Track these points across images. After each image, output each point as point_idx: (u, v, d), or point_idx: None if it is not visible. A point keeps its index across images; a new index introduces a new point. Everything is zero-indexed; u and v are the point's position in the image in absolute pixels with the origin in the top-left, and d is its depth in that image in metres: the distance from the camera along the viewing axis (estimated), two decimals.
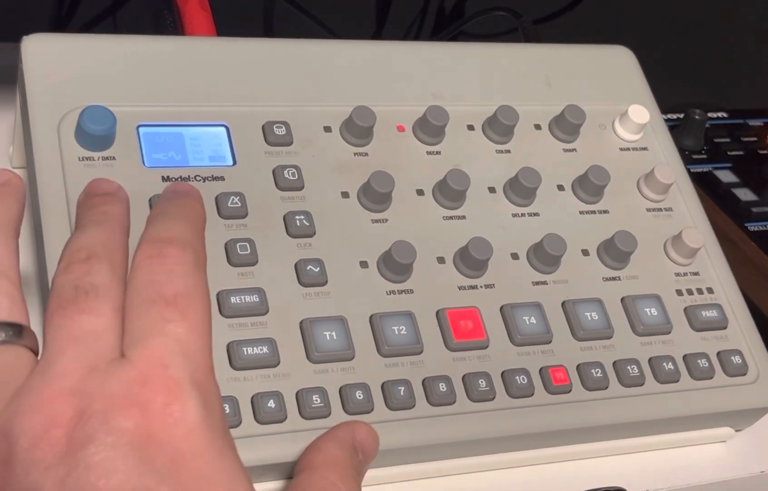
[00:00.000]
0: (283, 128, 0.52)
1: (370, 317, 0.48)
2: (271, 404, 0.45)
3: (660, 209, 0.58)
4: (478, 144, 0.56)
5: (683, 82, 1.01)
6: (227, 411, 0.44)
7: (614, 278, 0.54)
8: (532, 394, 0.49)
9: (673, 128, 0.73)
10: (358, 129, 0.53)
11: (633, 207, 0.57)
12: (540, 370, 0.50)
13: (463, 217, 0.53)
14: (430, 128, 0.55)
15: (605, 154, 0.58)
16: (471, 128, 0.57)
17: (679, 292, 0.55)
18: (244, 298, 0.47)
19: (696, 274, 0.56)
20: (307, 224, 0.50)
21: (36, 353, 0.36)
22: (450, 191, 0.53)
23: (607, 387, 0.51)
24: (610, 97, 0.61)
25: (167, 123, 0.51)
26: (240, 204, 0.49)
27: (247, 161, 0.51)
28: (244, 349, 0.45)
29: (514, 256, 0.53)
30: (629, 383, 0.51)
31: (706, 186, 0.71)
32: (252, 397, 0.45)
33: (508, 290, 0.52)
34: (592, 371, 0.51)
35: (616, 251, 0.54)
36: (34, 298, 0.49)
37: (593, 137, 0.59)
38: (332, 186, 0.52)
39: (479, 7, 0.83)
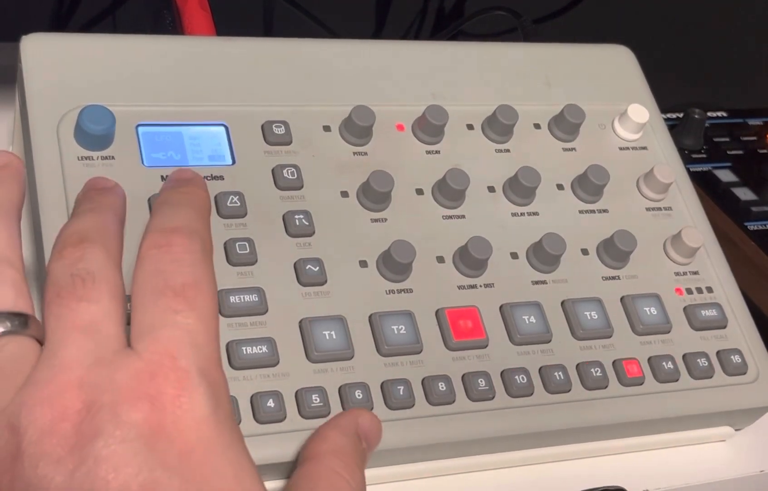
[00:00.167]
0: (283, 127, 0.52)
1: (370, 317, 0.48)
2: (271, 403, 0.45)
3: (659, 209, 0.58)
4: (477, 143, 0.56)
5: (683, 82, 1.01)
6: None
7: (614, 278, 0.54)
8: (532, 393, 0.49)
9: (673, 127, 0.73)
10: (357, 129, 0.53)
11: (632, 206, 0.57)
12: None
13: (463, 216, 0.53)
14: (430, 127, 0.55)
15: (605, 153, 0.58)
16: (470, 127, 0.57)
17: (678, 291, 0.55)
18: (244, 297, 0.47)
19: (695, 273, 0.56)
20: (307, 223, 0.50)
21: (41, 343, 0.36)
22: (449, 191, 0.53)
23: (606, 387, 0.51)
24: (609, 97, 0.61)
25: (166, 123, 0.51)
26: (239, 204, 0.49)
27: (247, 161, 0.51)
28: (244, 348, 0.45)
29: (514, 255, 0.53)
30: (629, 382, 0.51)
31: (705, 186, 0.71)
32: (251, 397, 0.45)
33: (507, 289, 0.52)
34: (592, 370, 0.51)
35: (615, 251, 0.54)
36: (33, 298, 0.49)
37: (593, 137, 0.59)
38: (332, 186, 0.52)
39: (479, 7, 0.83)
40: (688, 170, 0.61)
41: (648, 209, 0.57)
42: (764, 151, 0.77)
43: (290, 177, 0.51)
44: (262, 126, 0.52)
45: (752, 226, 0.70)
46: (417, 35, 0.97)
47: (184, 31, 0.63)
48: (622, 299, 0.54)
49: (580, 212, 0.56)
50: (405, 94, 0.56)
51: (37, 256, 0.48)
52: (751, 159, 0.76)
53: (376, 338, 0.48)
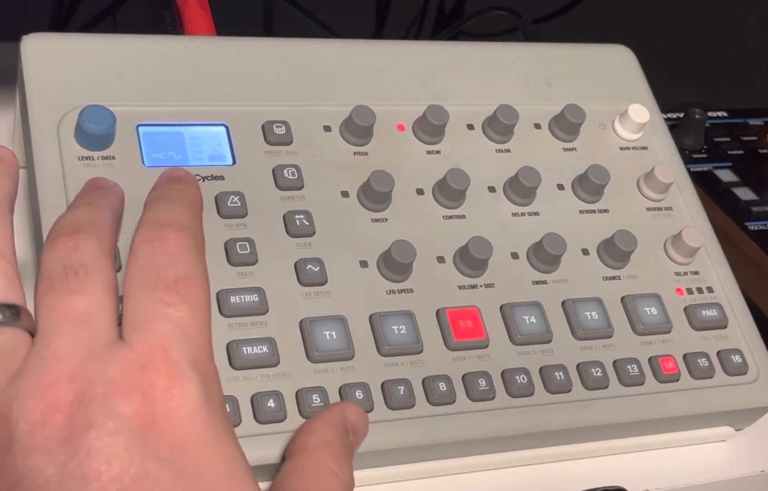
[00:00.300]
0: (283, 127, 0.52)
1: (370, 317, 0.48)
2: (271, 403, 0.45)
3: (660, 209, 0.58)
4: (478, 143, 0.56)
5: (683, 81, 1.01)
6: (227, 411, 0.44)
7: (614, 278, 0.54)
8: (532, 394, 0.49)
9: (673, 127, 0.73)
10: (357, 128, 0.53)
11: (633, 206, 0.57)
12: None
13: (463, 216, 0.53)
14: (430, 127, 0.55)
15: (605, 153, 0.58)
16: (471, 127, 0.57)
17: (679, 291, 0.55)
18: (244, 297, 0.47)
19: (696, 273, 0.56)
20: (307, 223, 0.50)
21: (33, 335, 0.36)
22: (450, 191, 0.53)
23: (607, 387, 0.51)
24: (610, 97, 0.61)
25: (167, 123, 0.51)
26: (240, 204, 0.49)
27: (247, 161, 0.51)
28: (244, 349, 0.45)
29: (514, 255, 0.53)
30: (629, 382, 0.51)
31: (706, 186, 0.71)
32: (252, 397, 0.45)
33: (508, 289, 0.52)
34: (592, 370, 0.51)
35: (616, 251, 0.54)
36: (30, 295, 0.49)
37: (593, 137, 0.59)
38: (332, 186, 0.52)
39: (479, 7, 0.83)
40: (688, 169, 0.61)
41: (648, 209, 0.57)
42: (765, 151, 0.77)
43: (291, 177, 0.51)
44: (263, 126, 0.52)
45: (753, 226, 0.70)
46: (417, 35, 0.97)
47: (185, 31, 0.63)
48: (622, 299, 0.54)
49: (581, 212, 0.56)
50: (405, 94, 0.56)
51: (36, 256, 0.48)
52: (751, 159, 0.76)
53: (376, 338, 0.48)
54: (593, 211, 0.56)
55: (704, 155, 0.75)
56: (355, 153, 0.53)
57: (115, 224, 0.40)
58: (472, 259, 0.51)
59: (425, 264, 0.51)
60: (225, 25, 0.64)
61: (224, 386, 0.44)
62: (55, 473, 0.33)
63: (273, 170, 0.51)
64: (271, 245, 0.49)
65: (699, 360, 0.53)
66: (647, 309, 0.53)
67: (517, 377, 0.49)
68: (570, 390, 0.50)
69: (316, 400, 0.45)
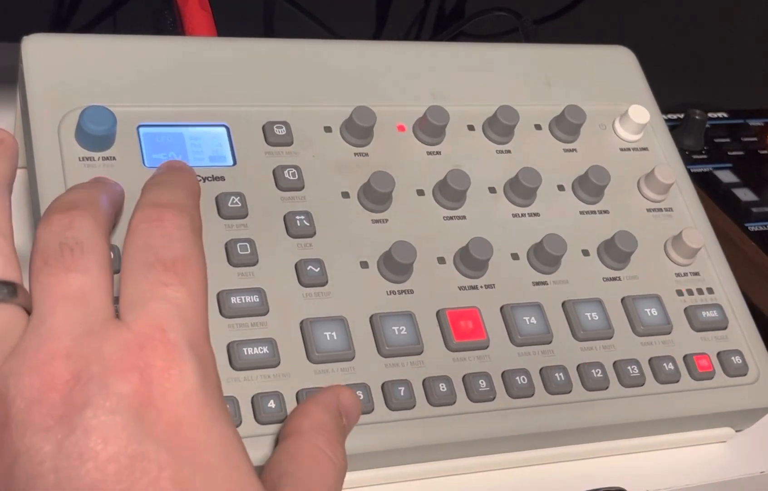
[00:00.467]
0: (284, 128, 0.52)
1: (371, 318, 0.48)
2: (272, 404, 0.45)
3: (660, 209, 0.58)
4: (478, 144, 0.56)
5: (683, 82, 1.01)
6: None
7: (614, 279, 0.54)
8: (533, 394, 0.49)
9: (674, 127, 0.73)
10: (358, 129, 0.53)
11: (633, 207, 0.57)
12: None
13: (464, 217, 0.53)
14: (431, 128, 0.55)
15: (605, 154, 0.58)
16: (471, 128, 0.57)
17: (679, 292, 0.55)
18: (245, 298, 0.47)
19: (696, 274, 0.56)
20: (308, 224, 0.50)
21: (29, 312, 0.36)
22: (450, 191, 0.53)
23: (607, 388, 0.51)
24: (610, 97, 0.61)
25: (167, 123, 0.51)
26: (240, 204, 0.49)
27: (248, 161, 0.51)
28: (245, 349, 0.45)
29: (515, 256, 0.53)
30: (629, 383, 0.51)
31: (706, 186, 0.71)
32: (252, 397, 0.45)
33: (508, 290, 0.52)
34: (592, 371, 0.51)
35: (616, 252, 0.54)
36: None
37: (593, 137, 0.59)
38: (332, 186, 0.52)
39: (479, 7, 0.83)
40: (688, 170, 0.61)
41: (649, 210, 0.57)
42: (765, 152, 0.77)
43: (291, 178, 0.51)
44: (263, 127, 0.52)
45: (753, 227, 0.70)
46: (417, 36, 0.97)
47: (185, 31, 0.63)
48: (622, 300, 0.54)
49: (581, 212, 0.56)
50: (406, 95, 0.56)
51: None
52: (751, 160, 0.76)
53: (376, 338, 0.48)
54: (593, 212, 0.56)
55: (704, 156, 0.75)
56: (355, 154, 0.53)
57: (112, 209, 0.40)
58: (472, 260, 0.51)
59: (425, 265, 0.51)
60: (225, 25, 0.64)
61: (224, 386, 0.44)
62: (52, 451, 0.33)
63: (273, 171, 0.51)
64: (272, 246, 0.49)
65: (699, 361, 0.53)
66: (647, 310, 0.53)
67: (517, 378, 0.49)
68: (570, 391, 0.50)
69: None
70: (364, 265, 0.50)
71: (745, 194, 0.72)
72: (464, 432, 0.48)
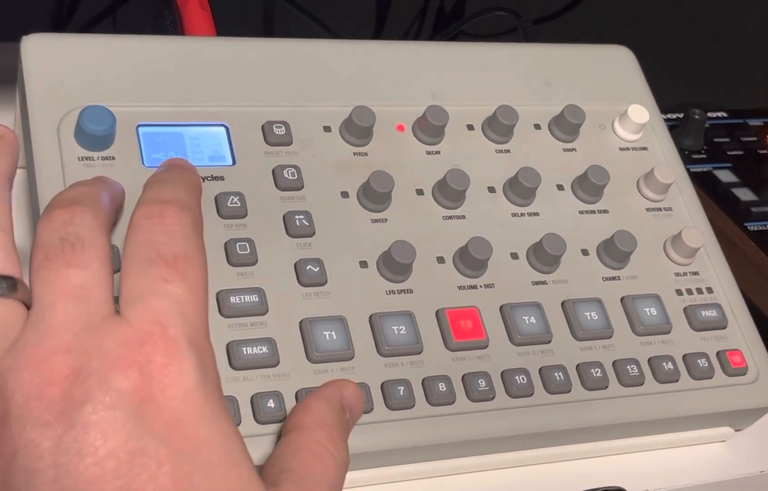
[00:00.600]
0: (283, 127, 0.52)
1: (370, 317, 0.48)
2: (271, 404, 0.45)
3: (660, 209, 0.58)
4: (477, 144, 0.56)
5: (683, 82, 1.01)
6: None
7: (614, 278, 0.54)
8: (532, 394, 0.49)
9: (673, 127, 0.73)
10: (357, 129, 0.53)
11: (633, 207, 0.57)
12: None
13: (463, 217, 0.53)
14: (430, 127, 0.55)
15: (605, 154, 0.58)
16: (471, 127, 0.57)
17: (678, 292, 0.55)
18: (244, 298, 0.47)
19: (696, 274, 0.56)
20: (307, 223, 0.50)
21: (29, 308, 0.36)
22: (450, 191, 0.53)
23: (606, 387, 0.51)
24: (609, 97, 0.61)
25: (167, 123, 0.51)
26: (240, 204, 0.49)
27: (247, 161, 0.51)
28: (244, 349, 0.45)
29: (514, 256, 0.53)
30: (629, 383, 0.51)
31: (705, 186, 0.71)
32: (252, 397, 0.45)
33: (507, 289, 0.52)
34: (592, 371, 0.51)
35: (615, 251, 0.54)
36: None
37: (593, 137, 0.59)
38: (332, 186, 0.52)
39: (479, 7, 0.83)
40: (688, 170, 0.61)
41: (648, 210, 0.57)
42: (764, 151, 0.77)
43: (291, 177, 0.51)
44: (263, 126, 0.52)
45: (752, 226, 0.70)
46: (417, 35, 0.97)
47: (185, 31, 0.63)
48: (622, 299, 0.54)
49: (581, 212, 0.56)
50: (405, 95, 0.56)
51: None
52: (751, 160, 0.76)
53: (376, 338, 0.48)
54: (593, 211, 0.56)
55: (704, 156, 0.75)
56: (355, 153, 0.53)
57: (112, 206, 0.40)
58: (471, 259, 0.51)
59: (425, 264, 0.51)
60: (225, 25, 0.64)
61: (224, 386, 0.44)
62: (51, 446, 0.33)
63: (273, 171, 0.51)
64: (271, 246, 0.49)
65: (699, 361, 0.53)
66: (647, 310, 0.53)
67: (516, 377, 0.49)
68: (570, 391, 0.50)
69: None
70: (363, 265, 0.50)
71: (744, 194, 0.72)
72: (464, 431, 0.48)
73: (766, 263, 0.68)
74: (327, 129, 0.53)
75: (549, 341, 0.51)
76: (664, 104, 0.64)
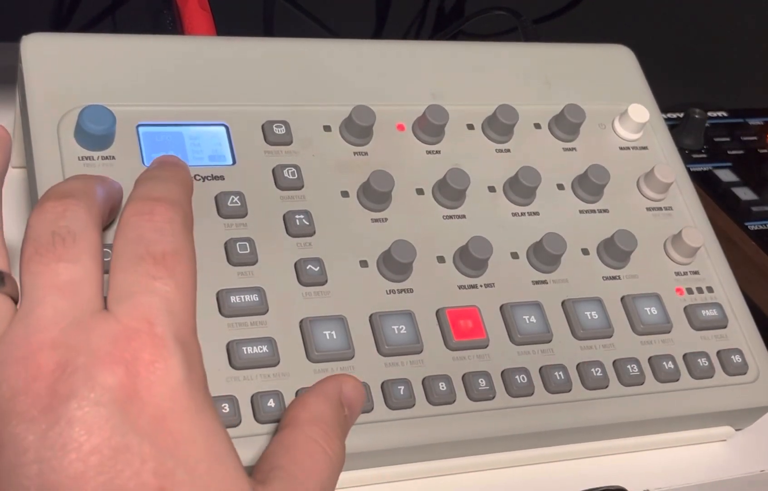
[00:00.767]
0: (283, 127, 0.52)
1: (370, 317, 0.48)
2: (271, 403, 0.44)
3: (660, 208, 0.58)
4: (477, 143, 0.56)
5: (683, 81, 1.01)
6: (227, 410, 0.44)
7: (614, 278, 0.54)
8: (532, 393, 0.49)
9: (673, 127, 0.73)
10: (357, 128, 0.53)
11: (633, 206, 0.57)
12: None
13: (463, 216, 0.53)
14: (430, 127, 0.55)
15: (605, 153, 0.58)
16: (471, 127, 0.57)
17: (678, 291, 0.55)
18: (244, 297, 0.47)
19: (696, 273, 0.56)
20: (307, 223, 0.50)
21: (16, 302, 0.36)
22: (450, 191, 0.53)
23: (607, 386, 0.51)
24: (609, 97, 0.61)
25: (167, 123, 0.51)
26: (240, 204, 0.49)
27: (247, 161, 0.51)
28: (244, 349, 0.45)
29: (514, 255, 0.53)
30: (629, 382, 0.51)
31: (706, 185, 0.71)
32: (252, 397, 0.45)
33: (508, 289, 0.52)
34: (592, 370, 0.51)
35: (616, 251, 0.54)
36: None
37: (593, 136, 0.59)
38: (332, 186, 0.52)
39: (479, 7, 0.83)
40: (688, 169, 0.61)
41: (648, 209, 0.57)
42: (764, 151, 0.77)
43: (291, 177, 0.51)
44: (263, 126, 0.52)
45: (752, 226, 0.70)
46: (417, 35, 0.97)
47: (184, 31, 0.63)
48: (622, 298, 0.54)
49: (581, 211, 0.56)
50: (405, 94, 0.56)
51: None
52: (751, 159, 0.76)
53: (376, 338, 0.48)
54: (593, 211, 0.56)
55: (704, 155, 0.75)
56: (355, 153, 0.53)
57: (107, 203, 0.40)
58: (472, 259, 0.51)
59: (425, 264, 0.51)
60: (225, 25, 0.64)
61: (224, 386, 0.44)
62: (36, 440, 0.33)
63: (273, 170, 0.51)
64: (271, 245, 0.49)
65: (699, 360, 0.53)
66: (647, 309, 0.53)
67: (517, 377, 0.49)
68: (570, 390, 0.50)
69: None
70: (363, 264, 0.50)
71: (744, 193, 0.72)
72: (464, 431, 0.48)
73: (767, 263, 0.68)
74: (327, 129, 0.53)
75: (549, 341, 0.51)
76: (664, 104, 0.64)
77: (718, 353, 0.54)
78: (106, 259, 0.37)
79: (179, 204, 0.39)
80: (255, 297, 0.47)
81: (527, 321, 0.51)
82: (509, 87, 0.59)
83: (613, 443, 0.52)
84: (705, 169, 0.74)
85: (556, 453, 0.51)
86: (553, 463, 0.51)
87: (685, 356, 0.53)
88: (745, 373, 0.54)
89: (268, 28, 0.85)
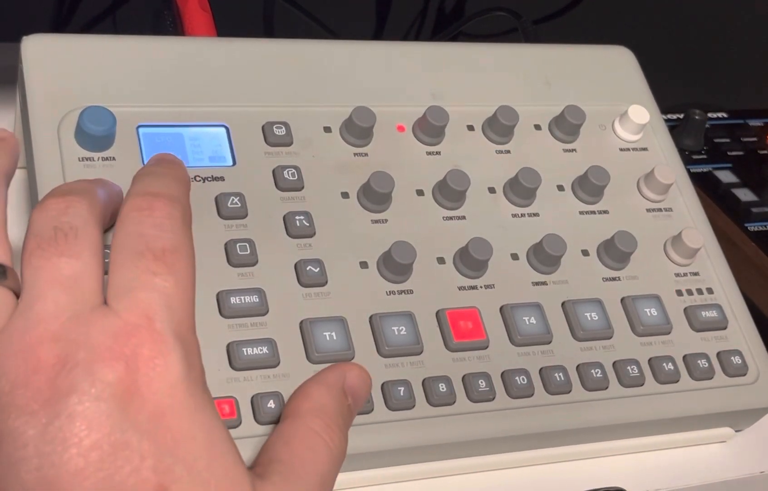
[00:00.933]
0: (283, 128, 0.52)
1: (370, 318, 0.48)
2: (271, 404, 0.44)
3: (660, 210, 0.58)
4: (478, 144, 0.56)
5: (683, 82, 1.01)
6: (227, 411, 0.44)
7: (614, 279, 0.54)
8: (532, 394, 0.49)
9: (673, 128, 0.73)
10: (358, 129, 0.53)
11: (633, 207, 0.57)
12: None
13: (463, 217, 0.53)
14: (430, 128, 0.55)
15: (605, 154, 0.58)
16: (471, 128, 0.57)
17: (678, 292, 0.55)
18: (244, 298, 0.47)
19: (696, 274, 0.56)
20: (307, 224, 0.50)
21: (18, 296, 0.36)
22: (450, 192, 0.53)
23: (606, 388, 0.51)
24: (610, 98, 0.61)
25: (167, 123, 0.51)
26: (240, 204, 0.49)
27: (247, 162, 0.51)
28: (244, 349, 0.45)
29: (514, 256, 0.53)
30: (629, 383, 0.51)
31: (706, 186, 0.71)
32: (252, 397, 0.45)
33: (508, 290, 0.52)
34: (592, 371, 0.51)
35: (616, 252, 0.54)
36: None
37: (593, 137, 0.59)
38: (332, 186, 0.52)
39: (479, 7, 0.83)
40: (688, 170, 0.61)
41: (648, 210, 0.57)
42: (765, 152, 0.77)
43: (291, 178, 0.51)
44: (263, 127, 0.52)
45: (753, 227, 0.70)
46: (417, 36, 0.97)
47: (185, 31, 0.63)
48: (622, 300, 0.54)
49: (581, 213, 0.56)
50: (405, 95, 0.56)
51: None
52: (751, 160, 0.76)
53: (376, 339, 0.48)
54: (593, 212, 0.56)
55: (704, 156, 0.75)
56: (355, 154, 0.53)
57: (109, 203, 0.40)
58: (472, 260, 0.51)
59: (425, 265, 0.51)
60: (225, 25, 0.64)
61: (224, 387, 0.44)
62: (36, 435, 0.33)
63: (273, 171, 0.51)
64: (272, 246, 0.49)
65: (699, 361, 0.53)
66: (647, 310, 0.53)
67: (517, 378, 0.49)
68: (570, 391, 0.50)
69: None
70: (363, 265, 0.50)
71: (744, 194, 0.72)
72: (464, 432, 0.48)
73: (767, 264, 0.68)
74: (327, 129, 0.53)
75: (549, 342, 0.51)
76: (664, 104, 0.64)
77: (718, 354, 0.54)
78: (106, 260, 0.37)
79: (178, 200, 0.39)
80: (255, 298, 0.47)
81: (527, 322, 0.51)
82: (509, 88, 0.59)
83: (613, 444, 0.52)
84: (705, 170, 0.74)
85: (556, 454, 0.51)
86: (553, 464, 0.51)
87: (685, 357, 0.53)
88: (745, 374, 0.54)
89: (268, 29, 0.85)
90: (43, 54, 0.50)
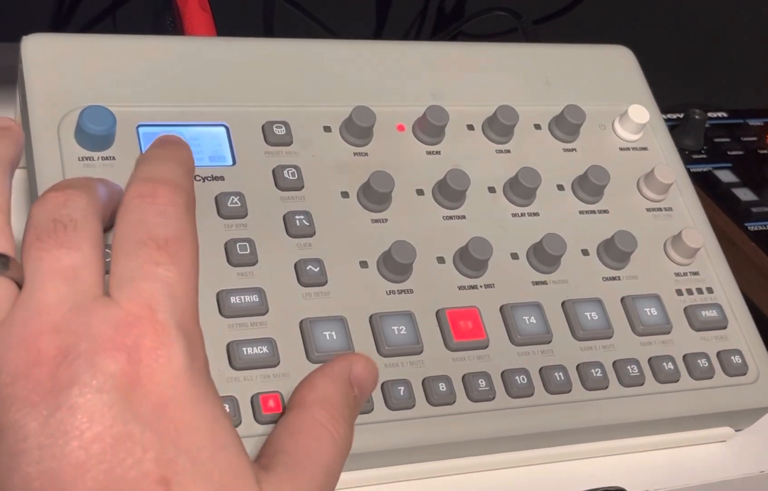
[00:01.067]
0: (283, 128, 0.52)
1: (370, 317, 0.48)
2: (271, 404, 0.44)
3: (660, 209, 0.58)
4: (478, 144, 0.56)
5: (683, 82, 1.01)
6: (227, 410, 0.44)
7: (614, 278, 0.54)
8: (532, 394, 0.49)
9: (673, 127, 0.73)
10: (358, 129, 0.53)
11: (633, 207, 0.57)
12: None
13: (463, 217, 0.53)
14: (430, 127, 0.55)
15: (605, 154, 0.58)
16: (471, 127, 0.57)
17: (678, 292, 0.55)
18: (244, 298, 0.47)
19: (696, 274, 0.56)
20: (307, 224, 0.50)
21: (21, 287, 0.36)
22: (450, 191, 0.53)
23: (606, 387, 0.51)
24: (609, 97, 0.61)
25: (167, 123, 0.51)
26: (240, 204, 0.49)
27: (247, 161, 0.51)
28: (244, 349, 0.45)
29: (514, 256, 0.53)
30: (629, 383, 0.51)
31: (706, 186, 0.71)
32: (252, 397, 0.45)
33: (507, 290, 0.52)
34: (592, 371, 0.51)
35: (615, 251, 0.54)
36: None
37: (593, 137, 0.59)
38: (332, 186, 0.52)
39: (479, 7, 0.83)
40: (688, 170, 0.61)
41: (648, 210, 0.57)
42: (764, 151, 0.77)
43: (291, 178, 0.51)
44: (263, 126, 0.52)
45: (752, 226, 0.70)
46: (417, 35, 0.97)
47: (185, 31, 0.63)
48: (622, 299, 0.54)
49: (581, 212, 0.56)
50: (405, 95, 0.56)
51: None
52: (751, 160, 0.76)
53: (376, 338, 0.48)
54: (593, 211, 0.56)
55: (704, 156, 0.75)
56: (355, 154, 0.53)
57: (108, 199, 0.40)
58: (472, 259, 0.51)
59: (425, 265, 0.51)
60: (225, 25, 0.64)
61: (224, 386, 0.44)
62: (37, 427, 0.32)
63: (273, 171, 0.51)
64: (271, 246, 0.49)
65: (699, 361, 0.53)
66: (647, 310, 0.53)
67: (517, 377, 0.49)
68: (570, 391, 0.50)
69: None
70: (363, 265, 0.50)
71: (744, 194, 0.72)
72: (464, 431, 0.48)
73: (767, 264, 0.68)
74: (327, 129, 0.53)
75: (549, 342, 0.51)
76: (664, 104, 0.64)
77: (718, 354, 0.54)
78: (107, 260, 0.37)
79: (182, 186, 0.38)
80: (255, 298, 0.47)
81: (527, 322, 0.51)
82: (509, 88, 0.59)
83: (613, 443, 0.52)
84: (705, 170, 0.74)
85: (556, 454, 0.51)
86: (553, 464, 0.51)
87: (685, 357, 0.53)
88: (744, 374, 0.54)
89: (268, 29, 0.85)
90: (43, 54, 0.50)
